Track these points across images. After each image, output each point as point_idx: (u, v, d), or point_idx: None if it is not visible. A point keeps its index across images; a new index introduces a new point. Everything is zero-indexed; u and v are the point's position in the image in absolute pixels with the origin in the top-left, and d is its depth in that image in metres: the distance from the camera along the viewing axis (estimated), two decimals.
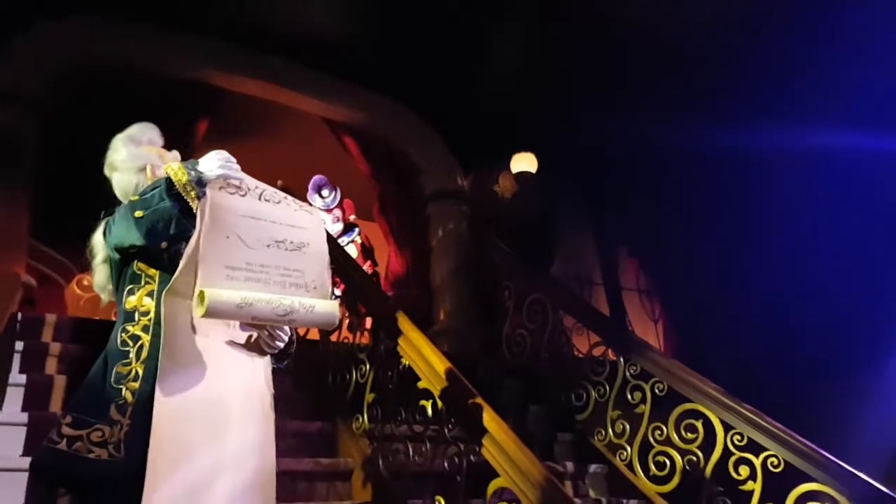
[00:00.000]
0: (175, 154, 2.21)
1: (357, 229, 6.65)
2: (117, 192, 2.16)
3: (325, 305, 1.96)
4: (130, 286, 2.00)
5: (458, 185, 5.99)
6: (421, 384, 3.09)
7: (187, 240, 1.86)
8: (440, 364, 3.02)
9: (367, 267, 6.32)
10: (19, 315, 3.63)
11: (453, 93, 5.88)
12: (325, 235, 2.07)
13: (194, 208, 1.85)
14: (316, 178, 6.57)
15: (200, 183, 1.85)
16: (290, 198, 2.04)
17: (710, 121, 5.49)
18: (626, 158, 6.32)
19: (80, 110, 4.56)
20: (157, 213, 1.86)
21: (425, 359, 3.10)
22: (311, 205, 6.26)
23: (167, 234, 1.89)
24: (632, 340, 4.36)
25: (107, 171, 2.18)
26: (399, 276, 6.24)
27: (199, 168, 1.87)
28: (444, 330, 5.43)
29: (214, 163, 1.88)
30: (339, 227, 6.56)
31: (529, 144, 6.05)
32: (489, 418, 2.73)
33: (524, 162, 6.01)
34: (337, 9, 5.37)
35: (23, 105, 4.26)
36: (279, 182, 5.54)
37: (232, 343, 1.96)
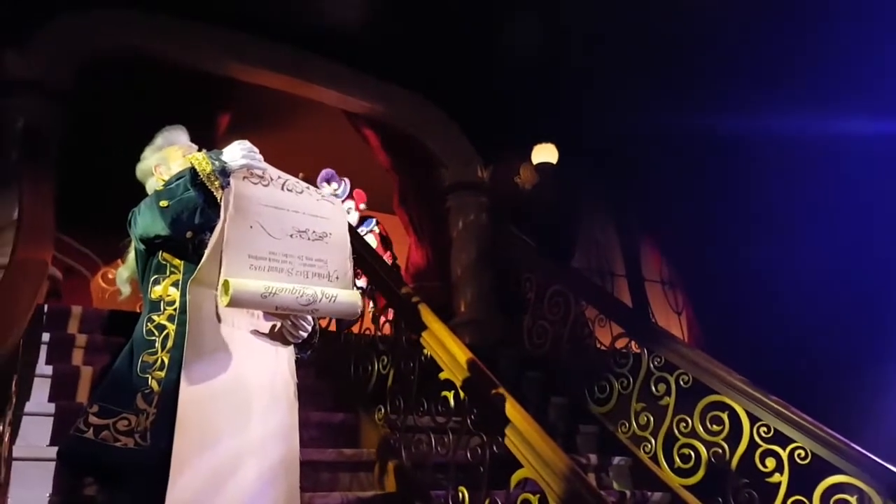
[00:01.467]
0: (192, 147, 2.23)
1: (374, 220, 6.65)
2: None
3: (347, 295, 1.97)
4: (156, 276, 2.02)
5: (477, 177, 5.97)
6: (443, 375, 3.08)
7: (212, 229, 1.87)
8: (462, 355, 3.01)
9: (386, 257, 6.32)
10: (46, 307, 3.66)
11: (472, 84, 5.86)
12: (346, 225, 2.07)
13: (218, 198, 1.86)
14: (323, 171, 6.60)
15: (224, 173, 1.87)
16: (311, 188, 2.05)
17: (732, 109, 5.41)
18: (648, 148, 6.26)
19: (105, 102, 4.60)
20: (181, 202, 1.87)
21: (447, 350, 3.09)
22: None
23: (192, 223, 1.91)
24: (655, 332, 4.32)
25: None
26: (419, 267, 6.24)
27: (223, 158, 1.89)
28: (465, 321, 5.43)
29: (238, 153, 1.89)
30: (355, 216, 6.56)
31: (550, 135, 6.01)
32: (512, 409, 2.72)
33: (545, 153, 5.97)
34: (355, 0, 5.36)
35: (48, 96, 4.31)
36: (300, 174, 5.54)
37: (256, 332, 1.97)
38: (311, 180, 5.43)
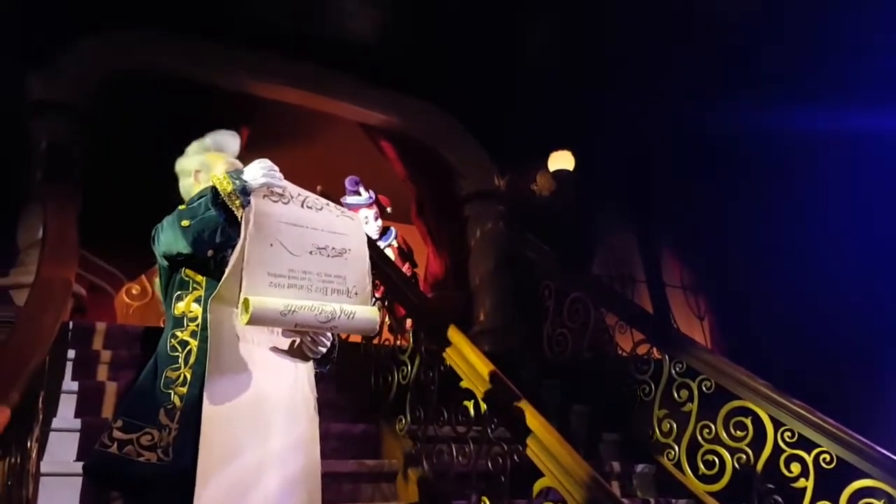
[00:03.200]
0: (236, 164, 2.22)
1: (394, 231, 6.67)
2: (182, 194, 2.23)
3: (365, 311, 1.98)
4: (178, 292, 2.05)
5: (494, 186, 5.98)
6: (463, 384, 3.08)
7: (233, 247, 1.90)
8: (482, 364, 3.02)
9: (405, 269, 6.33)
10: (70, 324, 3.71)
11: (488, 93, 5.87)
12: (365, 241, 2.09)
13: (239, 216, 1.89)
14: (349, 178, 6.62)
15: (245, 192, 1.89)
16: (331, 204, 2.06)
17: (754, 106, 5.35)
18: (666, 151, 6.23)
19: (126, 121, 4.67)
20: (203, 222, 1.90)
21: (466, 359, 3.10)
22: (349, 208, 6.31)
23: (213, 242, 1.94)
24: (677, 338, 4.30)
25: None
26: (438, 277, 6.25)
27: (244, 177, 1.91)
28: (485, 330, 5.43)
29: (258, 171, 1.91)
30: (380, 223, 6.58)
31: (566, 142, 6.01)
32: (532, 418, 2.72)
33: (561, 160, 5.97)
34: (370, 14, 5.40)
35: (70, 116, 4.39)
36: (318, 187, 5.58)
37: (275, 349, 1.99)
38: (329, 194, 5.46)
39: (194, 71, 5.05)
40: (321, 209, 2.00)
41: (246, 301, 1.78)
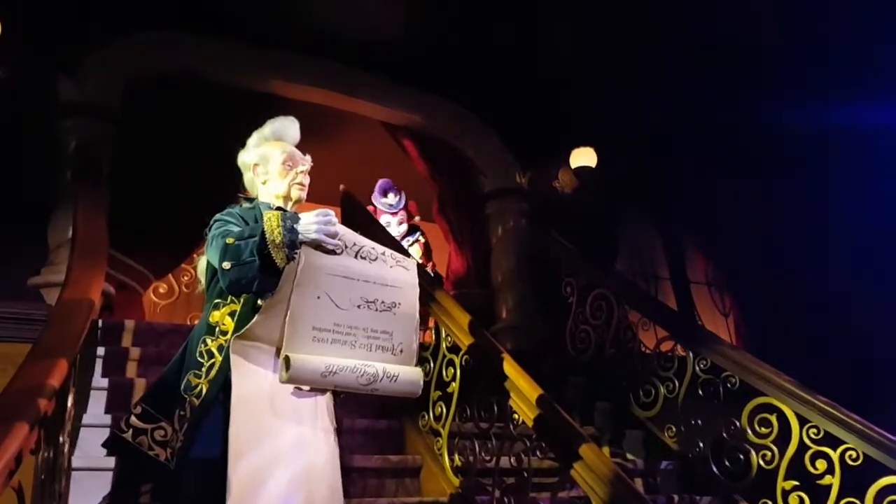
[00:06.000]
0: (303, 159, 2.27)
1: (419, 230, 6.68)
2: (248, 187, 2.31)
3: (409, 373, 1.97)
4: (217, 300, 2.06)
5: (516, 183, 5.98)
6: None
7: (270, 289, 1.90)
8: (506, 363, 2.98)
9: (430, 267, 6.35)
10: (100, 322, 3.78)
11: (509, 90, 5.87)
12: (417, 293, 2.04)
13: (280, 266, 1.87)
14: (382, 181, 6.62)
15: (293, 246, 1.87)
16: (388, 252, 2.03)
17: (782, 102, 5.29)
18: (691, 147, 6.19)
19: (154, 121, 4.73)
20: (242, 270, 1.89)
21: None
22: (376, 210, 6.27)
23: (249, 289, 1.95)
24: (701, 334, 4.28)
25: None
26: (460, 275, 6.26)
27: (298, 227, 1.88)
28: (507, 327, 5.44)
29: (312, 226, 1.88)
30: (404, 228, 6.58)
31: (589, 138, 5.99)
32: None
33: (584, 157, 5.94)
34: (393, 13, 5.43)
35: (99, 117, 4.45)
36: (341, 187, 5.63)
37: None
38: (350, 193, 5.47)
39: (219, 72, 5.11)
40: (375, 259, 1.97)
41: (287, 359, 1.78)
